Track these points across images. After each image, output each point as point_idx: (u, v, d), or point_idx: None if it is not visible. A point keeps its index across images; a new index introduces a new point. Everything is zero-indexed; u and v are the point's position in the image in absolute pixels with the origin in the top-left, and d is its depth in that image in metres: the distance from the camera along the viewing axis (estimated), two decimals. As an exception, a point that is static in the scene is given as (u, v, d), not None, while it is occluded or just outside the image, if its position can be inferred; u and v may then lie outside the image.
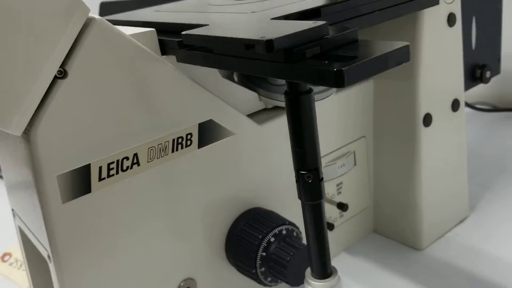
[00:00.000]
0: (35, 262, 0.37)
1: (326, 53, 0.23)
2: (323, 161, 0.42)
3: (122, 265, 0.32)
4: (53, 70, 0.26)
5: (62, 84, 0.27)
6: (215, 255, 0.36)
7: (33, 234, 0.32)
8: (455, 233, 0.48)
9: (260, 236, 0.35)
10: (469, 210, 0.50)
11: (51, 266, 0.29)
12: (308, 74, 0.22)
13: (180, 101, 0.32)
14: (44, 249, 0.30)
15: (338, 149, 0.43)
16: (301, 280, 0.35)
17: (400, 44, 0.23)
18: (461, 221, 0.49)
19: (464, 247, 0.46)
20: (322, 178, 0.27)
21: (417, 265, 0.44)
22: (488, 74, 0.55)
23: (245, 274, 0.36)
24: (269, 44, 0.22)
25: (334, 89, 0.40)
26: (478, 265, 0.43)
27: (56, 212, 0.28)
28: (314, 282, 0.30)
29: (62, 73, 0.27)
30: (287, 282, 0.34)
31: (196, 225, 0.35)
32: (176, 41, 0.30)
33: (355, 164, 0.45)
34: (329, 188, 0.43)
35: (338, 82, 0.20)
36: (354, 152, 0.45)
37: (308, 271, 0.30)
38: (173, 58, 0.31)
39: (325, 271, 0.29)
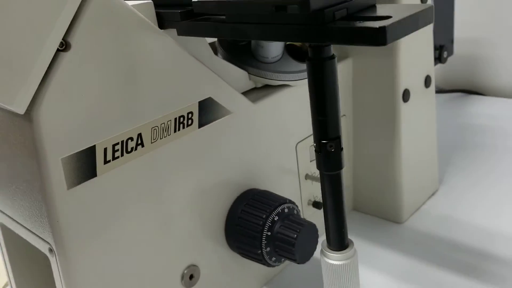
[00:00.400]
0: (18, 260, 0.33)
1: (352, 15, 0.23)
2: (310, 141, 0.42)
3: (128, 254, 0.30)
4: (56, 41, 0.24)
5: (65, 57, 0.24)
6: (215, 240, 0.35)
7: (26, 228, 0.29)
8: (429, 206, 0.50)
9: (264, 216, 0.34)
10: (438, 183, 0.52)
11: (53, 260, 0.27)
12: (345, 34, 0.21)
13: (181, 78, 0.30)
14: (44, 243, 0.27)
15: (322, 128, 0.43)
16: (307, 257, 0.34)
17: (425, 6, 0.23)
18: (433, 194, 0.51)
19: (439, 217, 0.48)
20: (342, 148, 0.27)
21: (399, 237, 0.46)
22: (445, 54, 0.58)
23: (248, 257, 0.35)
24: (305, 3, 0.21)
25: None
26: (455, 232, 0.45)
27: (61, 199, 0.25)
28: (332, 254, 0.29)
29: (64, 45, 0.24)
30: (293, 260, 0.34)
31: (196, 208, 0.33)
32: (179, 12, 0.28)
33: (337, 143, 0.45)
34: (313, 167, 0.43)
35: (380, 39, 0.20)
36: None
37: (324, 243, 0.30)
38: (171, 32, 0.29)
39: (342, 242, 0.29)
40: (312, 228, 0.34)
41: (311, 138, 0.42)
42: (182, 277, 0.33)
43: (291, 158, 0.41)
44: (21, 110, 0.23)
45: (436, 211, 0.49)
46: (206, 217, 0.34)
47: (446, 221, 0.47)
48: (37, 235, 0.28)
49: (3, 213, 0.31)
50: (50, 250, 0.27)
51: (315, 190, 0.44)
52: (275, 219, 0.34)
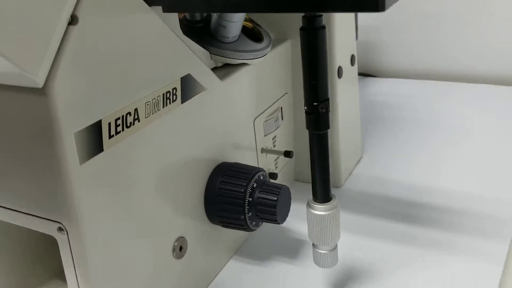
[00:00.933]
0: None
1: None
2: (264, 117, 0.45)
3: (132, 228, 0.30)
4: (68, 13, 0.24)
5: (74, 30, 0.24)
6: (197, 213, 0.37)
7: (22, 212, 0.28)
8: (359, 170, 0.56)
9: (244, 184, 0.36)
10: (362, 151, 0.59)
11: (64, 238, 0.26)
12: (347, 1, 0.24)
13: (168, 54, 0.31)
14: (51, 223, 0.26)
15: (271, 105, 0.47)
16: (284, 217, 0.38)
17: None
18: (359, 161, 0.58)
19: (372, 178, 0.54)
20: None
21: (341, 199, 0.50)
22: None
23: (230, 225, 0.37)
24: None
25: (269, 48, 0.43)
26: (388, 190, 0.52)
27: (75, 175, 0.25)
28: (319, 206, 0.33)
29: (72, 19, 0.24)
30: (274, 221, 0.37)
31: (182, 182, 0.35)
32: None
33: (282, 119, 0.49)
34: (267, 142, 0.47)
35: (380, 4, 0.24)
36: (281, 108, 0.49)
37: (310, 197, 0.34)
38: (156, 9, 0.30)
39: (327, 195, 0.33)
40: (287, 190, 0.38)
41: (265, 114, 0.46)
42: (174, 249, 0.34)
43: (249, 133, 0.43)
44: (41, 81, 0.23)
45: (368, 174, 0.55)
46: (189, 190, 0.36)
47: (378, 182, 0.53)
48: (41, 217, 0.27)
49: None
50: (60, 229, 0.26)
51: (270, 163, 0.47)
52: (254, 185, 0.37)
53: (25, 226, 0.28)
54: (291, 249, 0.44)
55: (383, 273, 0.40)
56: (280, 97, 0.48)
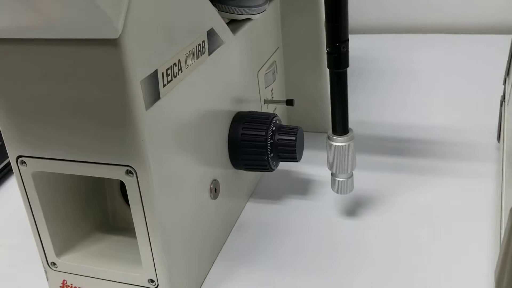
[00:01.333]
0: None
1: None
2: (265, 69, 0.49)
3: (183, 170, 0.33)
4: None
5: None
6: (225, 158, 0.40)
7: (88, 162, 0.30)
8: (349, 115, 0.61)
9: (265, 128, 0.40)
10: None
11: (133, 180, 0.29)
12: None
13: (198, 10, 0.34)
14: (118, 168, 0.29)
15: (269, 59, 0.50)
16: (301, 155, 0.42)
17: None
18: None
19: (360, 121, 0.58)
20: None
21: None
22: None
23: (253, 168, 0.41)
24: None
25: (268, 4, 0.46)
26: (375, 130, 0.57)
27: (143, 119, 0.28)
28: (338, 138, 0.37)
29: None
30: (294, 159, 0.41)
31: (213, 130, 0.38)
32: None
33: (277, 72, 0.53)
34: (267, 93, 0.50)
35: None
36: (275, 61, 0.52)
37: (330, 132, 0.38)
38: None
39: (345, 129, 0.37)
40: (302, 131, 0.42)
41: (265, 67, 0.49)
42: (210, 191, 0.38)
43: (255, 85, 0.47)
44: (117, 32, 0.25)
45: (357, 119, 0.59)
46: (218, 138, 0.39)
47: (367, 124, 0.59)
48: (108, 164, 0.29)
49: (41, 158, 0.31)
50: (129, 172, 0.29)
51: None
52: (273, 129, 0.40)
53: (92, 175, 0.30)
54: (298, 188, 0.48)
55: (384, 197, 0.45)
56: (274, 52, 0.52)
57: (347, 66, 0.35)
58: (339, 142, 0.38)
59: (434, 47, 0.79)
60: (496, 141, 0.51)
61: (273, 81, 0.51)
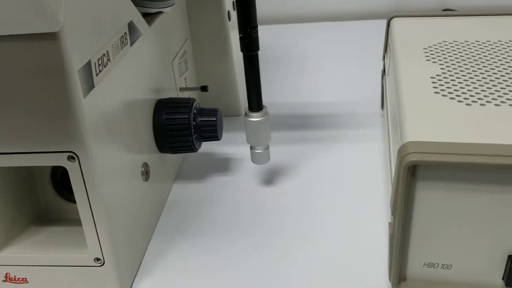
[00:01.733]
0: None
1: None
2: (177, 60, 0.52)
3: (119, 154, 0.35)
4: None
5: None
6: (151, 143, 0.43)
7: (27, 153, 0.31)
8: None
9: (187, 111, 0.43)
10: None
11: (75, 165, 0.31)
12: None
13: (119, 2, 0.36)
14: (59, 155, 0.31)
15: (180, 49, 0.53)
16: (221, 134, 0.46)
17: None
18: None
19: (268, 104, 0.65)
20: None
21: (242, 125, 0.61)
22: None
23: (179, 150, 0.44)
24: None
25: (175, -3, 0.49)
26: (279, 109, 0.63)
27: (82, 107, 0.30)
28: (254, 113, 0.42)
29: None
30: (216, 138, 0.45)
31: (139, 117, 0.40)
32: None
33: (188, 62, 0.56)
34: (182, 82, 0.53)
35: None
36: (185, 52, 0.55)
37: (246, 109, 0.42)
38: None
39: (260, 105, 0.42)
40: (220, 112, 0.46)
41: (178, 57, 0.52)
42: (142, 173, 0.40)
43: (170, 73, 0.50)
44: (59, 25, 0.27)
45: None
46: (145, 123, 0.41)
47: (271, 105, 0.64)
48: (49, 152, 0.31)
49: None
50: (71, 157, 0.31)
51: (187, 100, 0.54)
52: (195, 112, 0.44)
53: (33, 165, 0.31)
54: (219, 166, 0.52)
55: (293, 166, 0.51)
56: (184, 43, 0.55)
57: (258, 49, 0.39)
58: (255, 117, 0.42)
59: (321, 34, 0.88)
60: (380, 109, 0.59)
61: (186, 70, 0.55)
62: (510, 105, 0.34)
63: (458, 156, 0.29)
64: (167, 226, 0.44)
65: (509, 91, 0.35)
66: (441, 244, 0.32)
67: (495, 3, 0.94)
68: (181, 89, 0.52)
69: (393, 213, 0.32)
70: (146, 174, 0.41)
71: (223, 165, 0.53)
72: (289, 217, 0.44)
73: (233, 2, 0.61)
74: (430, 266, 0.34)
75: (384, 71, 0.56)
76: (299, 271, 0.38)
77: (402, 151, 0.30)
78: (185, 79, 0.55)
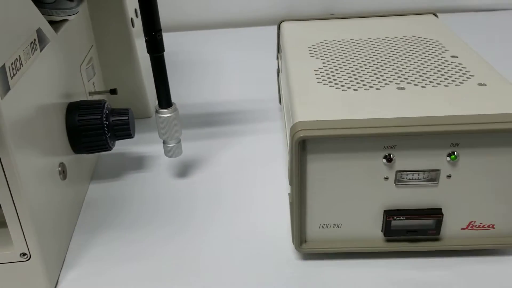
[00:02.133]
0: None
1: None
2: (85, 65, 0.54)
3: (38, 151, 0.37)
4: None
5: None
6: (65, 145, 0.45)
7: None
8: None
9: (99, 112, 0.46)
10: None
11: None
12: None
13: (27, 11, 0.38)
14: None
15: (87, 55, 0.55)
16: (134, 132, 0.49)
17: None
18: (155, 97, 0.71)
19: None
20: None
21: (153, 126, 0.64)
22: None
23: (94, 150, 0.47)
24: None
25: (80, 6, 0.52)
26: (185, 109, 0.67)
27: (1, 108, 0.32)
28: (165, 110, 0.46)
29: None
30: (129, 136, 0.48)
31: (53, 118, 0.42)
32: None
33: (95, 67, 0.58)
34: (90, 86, 0.55)
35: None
36: (92, 57, 0.58)
37: (157, 106, 0.46)
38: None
39: (169, 102, 0.46)
40: (131, 111, 0.49)
41: (85, 62, 0.54)
42: (59, 173, 0.42)
43: (79, 78, 0.52)
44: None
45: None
46: (59, 125, 0.43)
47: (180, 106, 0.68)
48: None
49: None
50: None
51: (96, 104, 0.56)
52: (107, 112, 0.47)
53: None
54: (133, 165, 0.55)
55: (204, 158, 0.56)
56: (90, 49, 0.57)
57: (163, 50, 0.43)
58: (166, 113, 0.46)
59: (220, 40, 0.94)
60: (279, 104, 0.66)
61: (94, 75, 0.57)
62: (376, 89, 0.41)
63: (337, 130, 0.35)
64: (88, 223, 0.47)
65: (376, 78, 0.43)
66: (331, 207, 0.39)
67: (371, 7, 1.06)
68: (91, 93, 0.55)
69: (290, 183, 0.38)
70: (63, 173, 0.43)
71: (137, 163, 0.56)
72: (202, 203, 0.49)
73: (135, 10, 0.64)
74: (325, 227, 0.40)
75: (278, 69, 0.62)
76: (215, 246, 0.43)
77: (293, 130, 0.36)
78: (93, 84, 0.57)
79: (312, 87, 0.42)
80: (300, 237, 0.40)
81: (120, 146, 0.57)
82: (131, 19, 0.60)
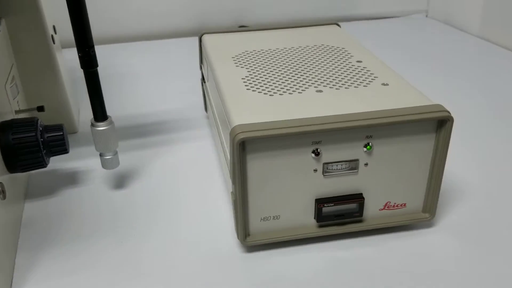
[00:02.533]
0: None
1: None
2: (9, 84, 0.53)
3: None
4: None
5: None
6: (2, 164, 0.44)
7: None
8: (85, 118, 0.69)
9: (33, 129, 0.46)
10: (79, 102, 0.72)
11: None
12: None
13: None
14: None
15: (9, 74, 0.54)
16: (69, 146, 0.50)
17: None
18: (79, 110, 0.71)
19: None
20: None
21: (80, 142, 0.64)
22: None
23: (29, 167, 0.46)
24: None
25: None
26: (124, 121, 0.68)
27: None
28: (100, 123, 0.47)
29: None
30: (65, 151, 0.48)
31: (-13, 139, 0.42)
32: None
33: (18, 86, 0.57)
34: (15, 105, 0.55)
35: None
36: (14, 76, 0.57)
37: (92, 120, 0.47)
38: None
39: (105, 115, 0.47)
40: (64, 127, 0.49)
41: (9, 81, 0.53)
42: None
43: (4, 96, 0.51)
44: None
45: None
46: (-8, 145, 0.43)
47: (117, 119, 0.69)
48: None
49: None
50: None
51: (22, 122, 0.55)
52: (41, 129, 0.47)
53: None
54: (69, 180, 0.56)
55: (140, 168, 0.57)
56: (11, 67, 0.56)
57: (97, 65, 0.45)
58: (101, 127, 0.48)
59: (142, 53, 0.95)
60: (205, 112, 0.69)
61: (18, 94, 0.56)
62: (298, 92, 0.46)
63: (272, 130, 0.40)
64: (30, 241, 0.46)
65: (297, 83, 0.48)
66: (270, 201, 0.43)
67: (277, 19, 1.14)
68: (17, 112, 0.54)
69: (233, 182, 0.41)
70: (2, 193, 0.43)
71: (70, 179, 0.56)
72: (143, 211, 0.50)
73: (54, 26, 0.64)
74: (265, 219, 0.44)
75: (203, 78, 0.66)
76: (162, 249, 0.45)
77: (232, 133, 0.40)
78: (18, 102, 0.56)
79: (242, 94, 0.46)
80: (244, 231, 0.43)
81: (51, 163, 0.56)
82: (52, 35, 0.60)
